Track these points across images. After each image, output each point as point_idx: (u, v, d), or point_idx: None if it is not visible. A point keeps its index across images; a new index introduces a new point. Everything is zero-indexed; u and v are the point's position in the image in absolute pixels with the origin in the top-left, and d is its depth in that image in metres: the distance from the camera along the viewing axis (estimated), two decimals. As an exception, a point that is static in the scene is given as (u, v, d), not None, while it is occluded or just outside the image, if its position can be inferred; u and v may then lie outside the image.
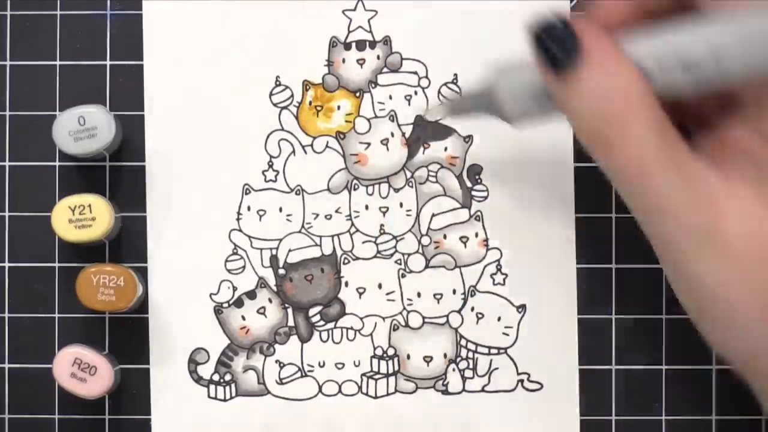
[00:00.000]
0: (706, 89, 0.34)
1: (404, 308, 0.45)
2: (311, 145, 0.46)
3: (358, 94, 0.46)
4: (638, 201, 0.34)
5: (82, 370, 0.43)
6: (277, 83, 0.46)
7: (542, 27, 0.33)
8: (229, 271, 0.45)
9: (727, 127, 0.35)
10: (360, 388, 0.45)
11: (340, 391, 0.45)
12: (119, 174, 0.45)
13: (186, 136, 0.45)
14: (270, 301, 0.45)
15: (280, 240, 0.45)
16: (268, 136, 0.45)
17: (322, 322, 0.45)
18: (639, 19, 0.36)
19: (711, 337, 0.35)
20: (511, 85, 0.36)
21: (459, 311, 0.45)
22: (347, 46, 0.46)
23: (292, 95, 0.46)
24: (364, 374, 0.45)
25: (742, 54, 0.32)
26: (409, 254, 0.46)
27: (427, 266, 0.46)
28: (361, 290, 0.45)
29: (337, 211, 0.45)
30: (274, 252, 0.45)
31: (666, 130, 0.33)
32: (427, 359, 0.45)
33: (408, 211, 0.45)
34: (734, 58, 0.32)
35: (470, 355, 0.45)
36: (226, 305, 0.45)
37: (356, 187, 0.45)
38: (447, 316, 0.45)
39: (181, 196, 0.45)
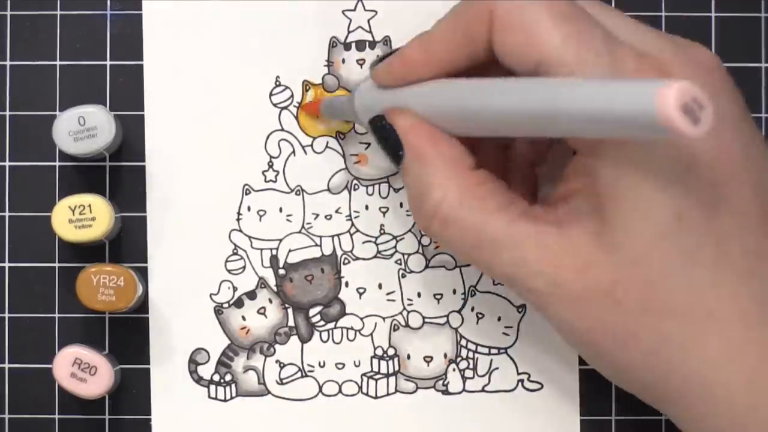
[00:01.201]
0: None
1: (404, 308, 0.45)
2: (311, 146, 0.46)
3: (358, 94, 0.46)
4: (487, 272, 0.37)
5: (82, 370, 0.43)
6: (277, 83, 0.46)
7: (379, 132, 0.38)
8: (229, 271, 0.45)
9: (563, 173, 0.36)
10: (360, 388, 0.45)
11: (340, 391, 0.45)
12: (119, 174, 0.45)
13: (186, 136, 0.45)
14: (270, 301, 0.45)
15: (280, 240, 0.45)
16: (268, 137, 0.45)
17: (322, 323, 0.45)
18: (444, 76, 0.36)
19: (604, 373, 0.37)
20: (360, 99, 0.40)
21: (459, 311, 0.46)
22: (347, 47, 0.46)
23: (292, 95, 0.46)
24: (364, 374, 0.45)
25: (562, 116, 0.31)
26: (409, 254, 0.46)
27: (427, 266, 0.46)
28: (361, 290, 0.45)
29: (337, 211, 0.45)
30: (274, 252, 0.45)
31: (491, 201, 0.35)
32: (428, 359, 0.45)
33: (408, 211, 0.45)
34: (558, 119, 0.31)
35: (470, 355, 0.45)
36: (226, 305, 0.45)
37: (356, 187, 0.45)
38: (447, 316, 0.46)
39: (181, 196, 0.45)
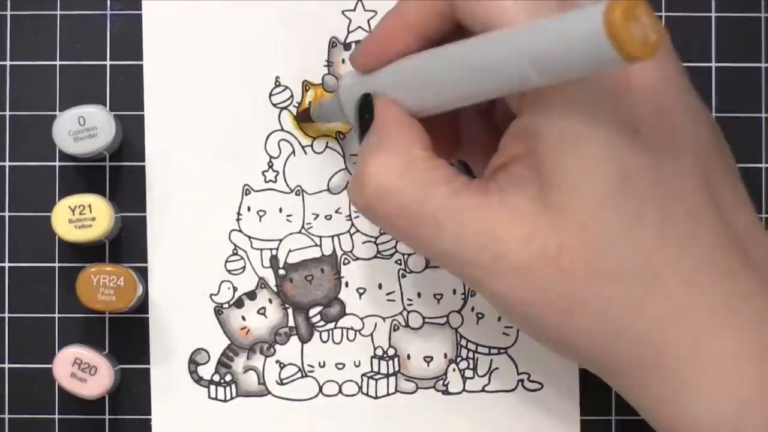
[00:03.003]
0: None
1: (404, 308, 0.46)
2: (311, 146, 0.46)
3: (358, 95, 0.45)
4: (425, 250, 0.36)
5: (82, 370, 0.43)
6: (277, 83, 0.46)
7: (363, 109, 0.37)
8: (229, 271, 0.45)
9: (501, 142, 0.35)
10: (360, 388, 0.45)
11: (340, 391, 0.45)
12: (119, 174, 0.45)
13: (186, 136, 0.45)
14: (270, 301, 0.45)
15: (280, 240, 0.45)
16: (268, 137, 0.45)
17: (322, 323, 0.45)
18: (420, 45, 0.36)
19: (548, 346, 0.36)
20: (346, 94, 0.39)
21: (459, 311, 0.46)
22: (347, 47, 0.46)
23: (292, 95, 0.46)
24: (364, 374, 0.45)
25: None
26: (409, 254, 0.46)
27: (427, 266, 0.46)
28: (361, 290, 0.45)
29: (337, 212, 0.45)
30: (274, 252, 0.45)
31: (433, 174, 0.35)
32: (428, 359, 0.45)
33: (408, 211, 0.45)
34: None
35: (470, 355, 0.45)
36: (226, 306, 0.45)
37: (356, 187, 0.45)
38: (447, 316, 0.46)
39: (181, 196, 0.45)
